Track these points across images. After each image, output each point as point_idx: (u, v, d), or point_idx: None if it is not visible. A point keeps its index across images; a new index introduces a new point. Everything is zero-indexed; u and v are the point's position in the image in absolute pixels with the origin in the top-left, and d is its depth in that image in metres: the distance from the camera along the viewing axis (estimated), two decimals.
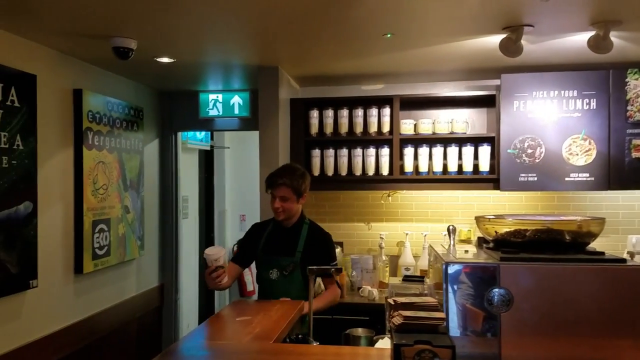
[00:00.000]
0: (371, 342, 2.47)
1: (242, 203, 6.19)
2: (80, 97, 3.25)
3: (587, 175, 3.53)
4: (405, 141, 3.82)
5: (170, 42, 2.94)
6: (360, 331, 2.57)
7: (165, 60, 3.31)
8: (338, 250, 4.07)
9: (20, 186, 2.73)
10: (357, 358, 2.00)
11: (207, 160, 5.93)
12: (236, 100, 4.31)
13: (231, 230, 6.21)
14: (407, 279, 3.49)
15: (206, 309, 5.94)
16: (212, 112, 4.35)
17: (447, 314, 2.20)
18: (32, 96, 2.81)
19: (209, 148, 5.59)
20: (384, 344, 2.29)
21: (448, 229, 2.60)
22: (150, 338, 4.24)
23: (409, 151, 3.80)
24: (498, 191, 3.72)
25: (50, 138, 3.01)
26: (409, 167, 3.81)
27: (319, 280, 3.21)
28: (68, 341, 3.11)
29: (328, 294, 2.98)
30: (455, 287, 2.23)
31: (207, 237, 6.03)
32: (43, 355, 2.89)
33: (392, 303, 1.98)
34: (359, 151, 3.85)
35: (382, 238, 3.97)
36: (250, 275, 6.23)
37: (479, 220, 2.54)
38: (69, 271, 3.18)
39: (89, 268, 3.32)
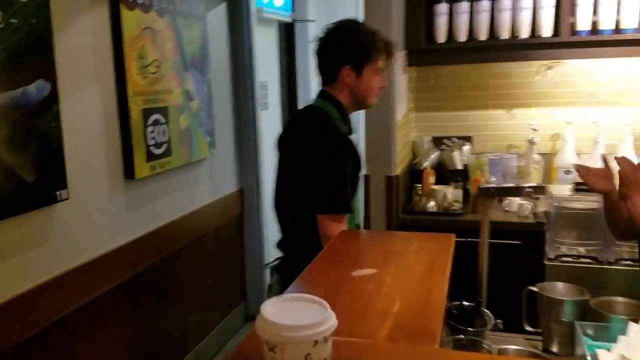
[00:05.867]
0: (582, 310, 1.39)
1: None
2: None
3: None
4: None
5: None
6: (559, 290, 1.50)
7: None
8: (467, 147, 3.04)
9: (27, 58, 1.86)
10: None
11: (287, 37, 4.88)
12: None
13: None
14: (581, 187, 2.44)
15: None
16: None
17: None
18: None
19: (290, 21, 4.53)
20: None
21: None
22: (230, 250, 3.54)
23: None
24: None
25: None
26: (584, 24, 2.57)
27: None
28: (122, 265, 2.40)
29: None
30: None
31: None
32: (87, 285, 2.19)
33: None
34: (506, 3, 2.64)
35: (534, 130, 2.85)
36: None
37: None
38: (116, 177, 2.39)
39: (144, 172, 2.52)
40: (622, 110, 2.79)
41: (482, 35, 2.71)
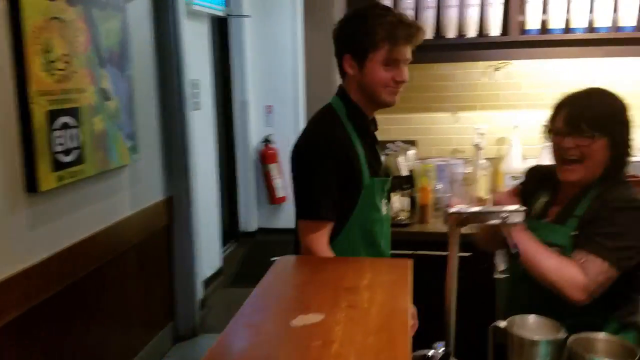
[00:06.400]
0: (558, 350, 1.19)
1: (268, 90, 4.94)
2: None
3: None
4: None
5: None
6: (532, 325, 1.28)
7: None
8: (412, 152, 2.88)
9: None
10: None
11: (221, 33, 4.60)
12: None
13: (256, 126, 5.02)
14: None
15: (230, 222, 4.93)
16: None
17: None
18: None
19: (223, 15, 4.24)
20: None
21: None
22: (157, 265, 3.22)
23: None
24: None
25: None
26: (533, 22, 2.46)
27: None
28: (24, 292, 2.05)
29: None
30: None
31: (226, 134, 4.87)
32: None
33: None
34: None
35: (481, 134, 2.72)
36: (280, 179, 5.14)
37: None
38: (14, 190, 2.04)
39: (50, 183, 2.17)
40: None
41: (428, 33, 2.55)
